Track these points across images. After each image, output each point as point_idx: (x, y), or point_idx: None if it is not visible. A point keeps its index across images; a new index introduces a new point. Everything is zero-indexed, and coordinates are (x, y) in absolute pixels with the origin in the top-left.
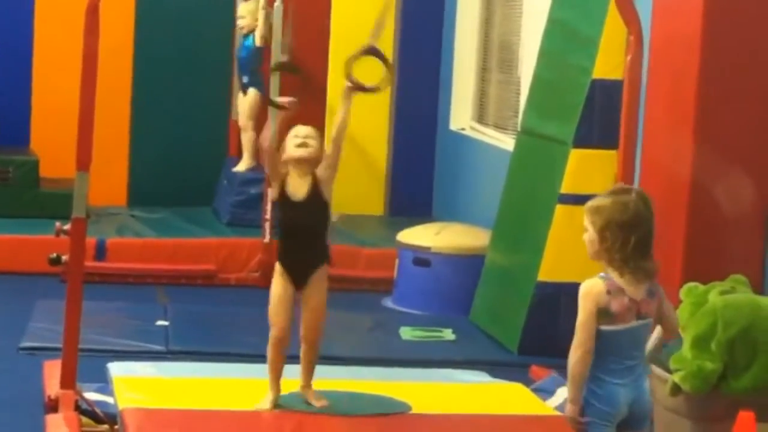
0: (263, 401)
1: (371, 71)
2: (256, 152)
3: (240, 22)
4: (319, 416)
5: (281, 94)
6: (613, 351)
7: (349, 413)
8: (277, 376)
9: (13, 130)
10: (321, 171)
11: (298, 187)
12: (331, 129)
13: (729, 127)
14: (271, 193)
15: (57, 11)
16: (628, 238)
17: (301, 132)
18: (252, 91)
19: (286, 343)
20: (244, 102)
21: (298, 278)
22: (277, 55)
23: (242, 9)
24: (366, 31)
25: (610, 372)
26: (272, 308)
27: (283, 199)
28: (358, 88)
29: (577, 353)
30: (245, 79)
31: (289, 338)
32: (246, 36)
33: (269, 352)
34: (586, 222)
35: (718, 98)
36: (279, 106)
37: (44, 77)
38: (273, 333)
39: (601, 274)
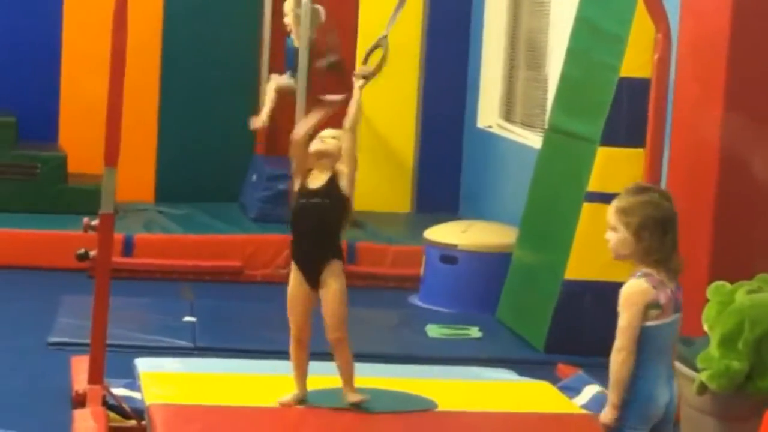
0: (287, 396)
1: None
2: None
3: (285, 20)
4: (345, 413)
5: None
6: (655, 348)
7: (374, 410)
8: (301, 373)
9: (41, 126)
10: (340, 165)
11: (314, 180)
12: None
13: (757, 125)
14: (293, 189)
15: (85, 8)
16: (664, 236)
17: (325, 133)
18: (286, 76)
19: (305, 341)
20: (282, 78)
21: (310, 276)
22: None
23: (285, 7)
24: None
25: (652, 372)
26: (288, 306)
27: (299, 191)
28: (365, 77)
29: (620, 356)
30: (288, 74)
31: (307, 336)
32: (288, 35)
33: (291, 349)
34: (616, 222)
35: (746, 96)
36: (326, 102)
37: (73, 74)
38: (291, 331)
39: (637, 273)
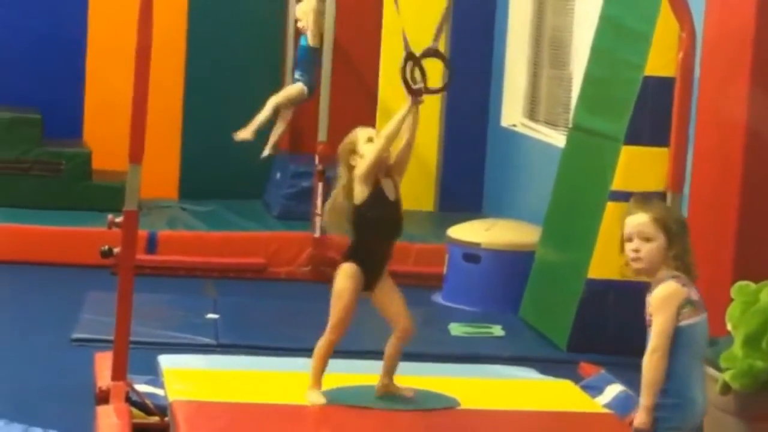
0: (315, 396)
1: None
2: (278, 144)
3: (299, 24)
4: (367, 410)
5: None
6: (692, 348)
7: (397, 408)
8: (321, 377)
9: (66, 123)
10: (398, 175)
11: (387, 187)
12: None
13: None
14: (359, 193)
15: (111, 4)
16: (689, 242)
17: (375, 134)
18: (298, 85)
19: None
20: (288, 90)
21: (373, 279)
22: (329, 54)
23: (298, 10)
24: (417, 27)
25: (690, 373)
26: (341, 312)
27: (379, 198)
28: (420, 92)
29: (655, 357)
30: (297, 74)
31: None
32: (303, 35)
33: (321, 355)
34: (653, 232)
35: None
36: (419, 93)
37: (98, 70)
38: (334, 337)
39: (668, 276)
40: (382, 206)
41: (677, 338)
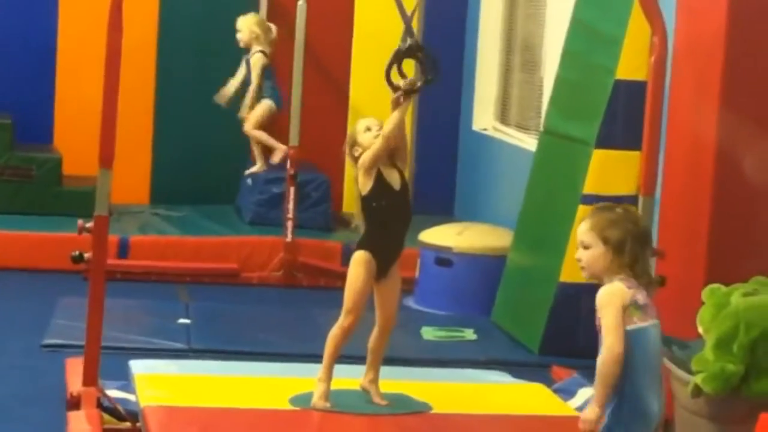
0: (318, 397)
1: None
2: (267, 157)
3: (238, 35)
4: (340, 414)
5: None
6: (643, 353)
7: (369, 412)
8: (333, 367)
9: (36, 128)
10: (401, 164)
11: (392, 177)
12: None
13: (754, 126)
14: (362, 184)
15: (81, 8)
16: (644, 250)
17: (373, 123)
18: (266, 102)
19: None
20: (257, 111)
21: (383, 268)
22: (299, 57)
23: (238, 22)
24: (388, 29)
25: (642, 379)
26: (355, 297)
27: (382, 188)
28: (409, 91)
29: (613, 352)
30: (265, 91)
31: None
32: (246, 50)
33: (336, 342)
34: (591, 240)
35: (743, 99)
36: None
37: (68, 75)
38: (348, 323)
39: (614, 279)
40: (386, 196)
41: (628, 342)
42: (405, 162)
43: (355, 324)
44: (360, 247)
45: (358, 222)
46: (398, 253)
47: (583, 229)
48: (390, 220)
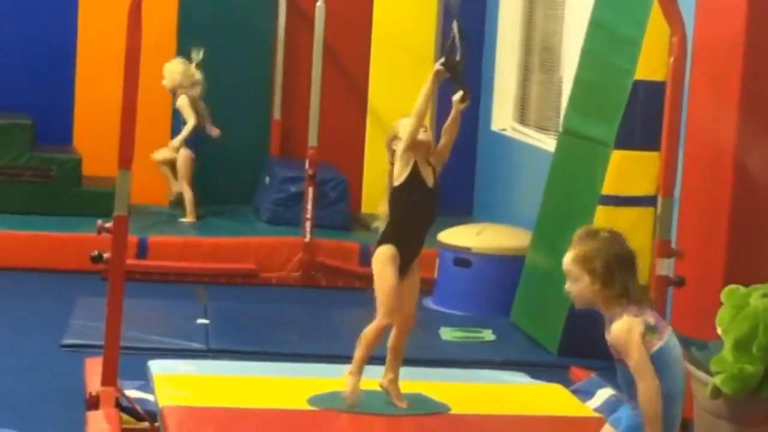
0: (351, 390)
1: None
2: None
3: (164, 82)
4: (358, 415)
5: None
6: (669, 368)
7: (388, 413)
8: (365, 363)
9: (56, 129)
10: (436, 163)
11: (426, 173)
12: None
13: None
14: (398, 174)
15: (100, 9)
16: (633, 274)
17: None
18: (183, 152)
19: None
20: (180, 162)
21: (406, 264)
22: (318, 57)
23: (164, 69)
24: (406, 29)
25: (672, 392)
26: (389, 296)
27: (416, 181)
28: (456, 67)
29: (651, 392)
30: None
31: None
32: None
33: (369, 341)
34: (578, 272)
35: (762, 100)
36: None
37: (87, 75)
38: (385, 321)
39: (619, 313)
40: (419, 190)
41: (655, 365)
42: (441, 165)
43: (391, 321)
44: (384, 241)
45: (379, 223)
46: (419, 251)
47: (567, 261)
48: (417, 216)
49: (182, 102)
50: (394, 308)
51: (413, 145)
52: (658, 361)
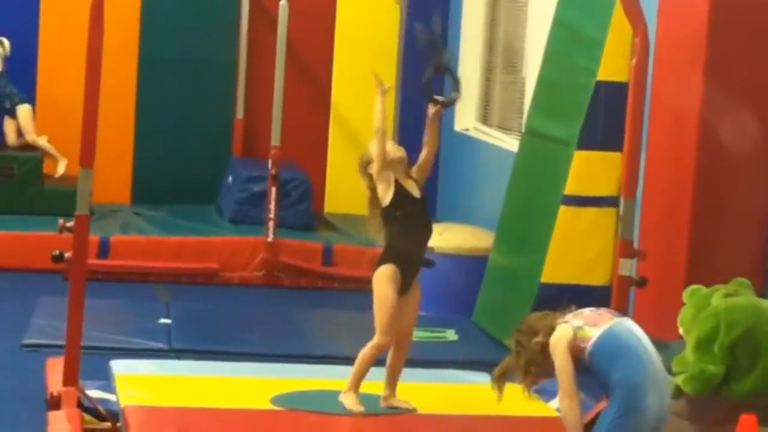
0: (351, 400)
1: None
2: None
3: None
4: (323, 415)
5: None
6: (620, 362)
7: (354, 413)
8: (361, 381)
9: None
10: (420, 177)
11: (410, 186)
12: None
13: (735, 128)
14: (383, 196)
15: (62, 8)
16: (538, 316)
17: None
18: (22, 107)
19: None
20: (22, 119)
21: (407, 281)
22: (281, 58)
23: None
24: (370, 30)
25: (635, 383)
26: (389, 317)
27: (403, 196)
28: (442, 104)
29: (565, 401)
30: (7, 104)
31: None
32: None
33: (366, 360)
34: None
35: (724, 100)
36: (438, 102)
37: (49, 74)
38: (384, 341)
39: (551, 331)
40: (408, 203)
41: (593, 359)
42: (423, 179)
43: (390, 342)
44: (383, 261)
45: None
46: (419, 266)
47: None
48: (414, 228)
49: None
50: (393, 328)
51: (388, 165)
52: (602, 352)
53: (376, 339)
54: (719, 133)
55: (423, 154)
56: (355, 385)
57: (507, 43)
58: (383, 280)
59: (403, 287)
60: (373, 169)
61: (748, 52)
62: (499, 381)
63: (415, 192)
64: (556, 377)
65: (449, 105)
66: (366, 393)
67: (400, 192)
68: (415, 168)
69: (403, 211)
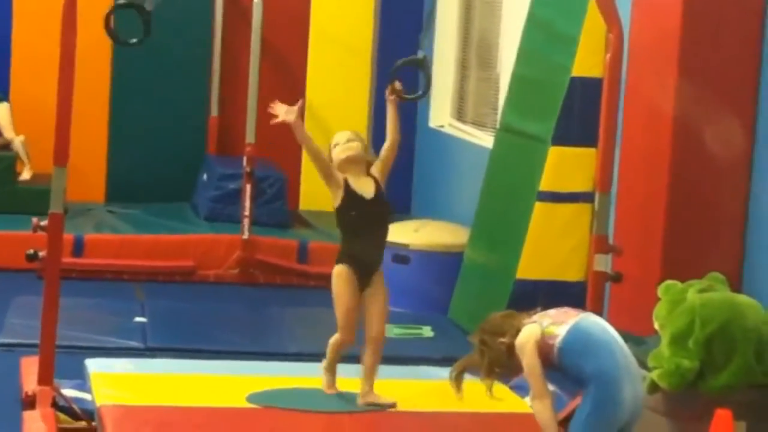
0: (326, 387)
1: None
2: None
3: None
4: (302, 413)
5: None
6: (591, 355)
7: (332, 410)
8: (336, 363)
9: None
10: (377, 172)
11: (363, 186)
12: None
13: (709, 124)
14: (333, 198)
15: (35, 8)
16: (503, 315)
17: (341, 138)
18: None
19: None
20: (2, 115)
21: (364, 278)
22: (256, 54)
23: None
24: (344, 28)
25: (612, 384)
26: (345, 314)
27: (351, 198)
28: (400, 97)
29: (536, 402)
30: None
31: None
32: None
33: (334, 349)
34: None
35: (698, 96)
36: (395, 91)
37: (22, 73)
38: (343, 339)
39: (518, 330)
40: (357, 206)
41: (563, 355)
42: (385, 174)
43: (351, 339)
44: (337, 261)
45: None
46: (377, 263)
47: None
48: (363, 229)
49: None
50: (351, 325)
51: (339, 168)
52: (572, 347)
53: (337, 334)
54: (694, 128)
55: (385, 146)
56: (329, 366)
57: (482, 40)
58: (335, 279)
59: (362, 283)
60: (320, 176)
61: (721, 48)
62: (458, 378)
63: (368, 193)
64: (522, 377)
65: (409, 100)
66: (346, 391)
67: (349, 194)
68: (377, 162)
69: (350, 213)
